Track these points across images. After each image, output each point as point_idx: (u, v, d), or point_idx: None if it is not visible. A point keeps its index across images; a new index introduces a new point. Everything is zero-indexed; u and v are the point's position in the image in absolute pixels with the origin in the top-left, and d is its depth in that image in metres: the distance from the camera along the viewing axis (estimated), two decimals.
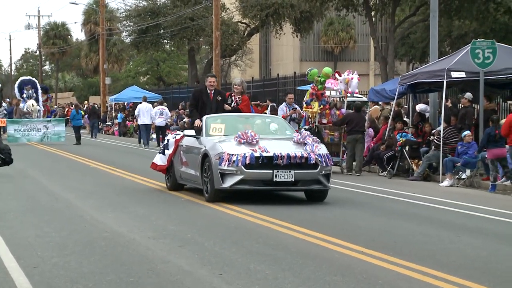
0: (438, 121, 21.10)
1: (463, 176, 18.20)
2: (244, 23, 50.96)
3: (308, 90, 21.77)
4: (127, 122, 45.43)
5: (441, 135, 18.94)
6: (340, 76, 21.52)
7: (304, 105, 21.34)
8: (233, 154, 13.25)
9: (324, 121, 21.18)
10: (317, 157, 13.42)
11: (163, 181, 16.44)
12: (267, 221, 11.46)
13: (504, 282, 7.94)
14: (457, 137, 19.01)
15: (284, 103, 22.77)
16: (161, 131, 33.17)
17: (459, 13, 36.52)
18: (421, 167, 19.47)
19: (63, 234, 10.31)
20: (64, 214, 12.33)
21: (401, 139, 20.37)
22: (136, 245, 9.57)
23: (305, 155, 13.33)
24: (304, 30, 48.70)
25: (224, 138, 14.07)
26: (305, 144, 13.67)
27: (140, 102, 34.35)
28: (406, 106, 25.47)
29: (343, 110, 22.14)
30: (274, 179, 13.16)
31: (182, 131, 16.26)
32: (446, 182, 18.21)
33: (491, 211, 13.55)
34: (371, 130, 22.95)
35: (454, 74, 19.05)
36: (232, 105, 16.35)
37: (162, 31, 50.80)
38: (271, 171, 13.15)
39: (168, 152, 15.68)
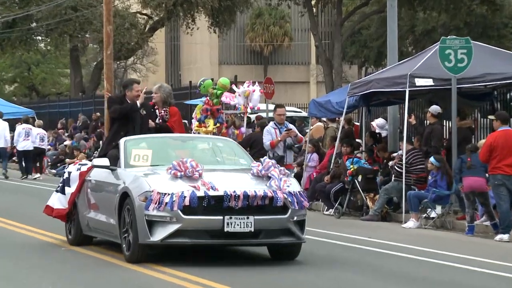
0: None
1: (433, 214, 18.49)
2: (145, 14, 50.92)
3: (198, 104, 22.13)
4: None
5: (404, 161, 19.19)
6: (238, 88, 22.32)
7: (197, 123, 21.52)
8: (165, 194, 12.42)
9: None
10: (286, 196, 12.61)
11: (57, 230, 15.60)
12: (186, 280, 11.38)
13: None
14: (423, 164, 19.29)
15: (272, 122, 20.07)
16: (28, 157, 32.93)
17: (424, 3, 37.36)
18: (378, 203, 19.71)
19: None
20: None
21: (351, 166, 20.58)
22: None
23: (269, 194, 12.53)
24: (223, 24, 48.90)
25: (151, 170, 13.32)
26: (269, 177, 12.82)
27: None
28: (358, 124, 25.79)
29: (243, 129, 22.48)
30: (226, 229, 12.32)
31: (91, 160, 15.25)
32: (410, 223, 18.45)
33: (468, 260, 13.76)
34: (315, 155, 23.13)
35: (419, 82, 19.36)
36: (156, 121, 15.27)
37: (34, 24, 50.32)
38: (221, 217, 12.33)
39: (69, 190, 14.68)
